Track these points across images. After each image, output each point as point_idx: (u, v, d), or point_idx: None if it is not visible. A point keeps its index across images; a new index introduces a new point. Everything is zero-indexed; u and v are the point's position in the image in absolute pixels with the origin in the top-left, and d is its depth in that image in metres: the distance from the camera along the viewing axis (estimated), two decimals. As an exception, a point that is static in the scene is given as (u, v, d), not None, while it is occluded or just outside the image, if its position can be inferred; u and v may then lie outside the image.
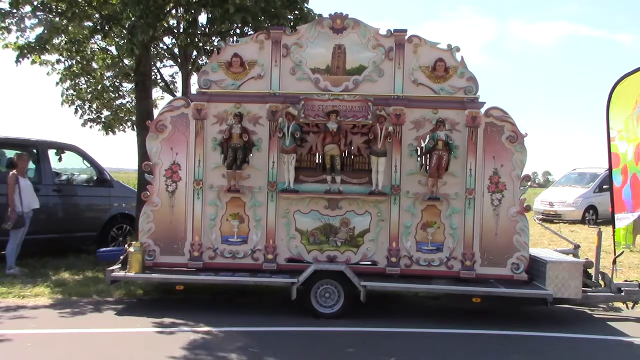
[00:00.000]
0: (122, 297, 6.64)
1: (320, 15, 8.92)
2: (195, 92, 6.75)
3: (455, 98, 6.37)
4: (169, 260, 6.46)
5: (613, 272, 6.63)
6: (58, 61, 11.71)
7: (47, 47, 9.14)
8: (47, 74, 12.04)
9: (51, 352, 4.78)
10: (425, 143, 6.26)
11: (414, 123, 6.36)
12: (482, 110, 6.34)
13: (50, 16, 8.67)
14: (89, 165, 9.67)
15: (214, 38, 10.28)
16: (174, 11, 9.97)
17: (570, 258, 6.59)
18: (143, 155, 7.95)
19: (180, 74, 11.78)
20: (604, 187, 15.63)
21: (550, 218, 16.54)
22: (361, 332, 5.60)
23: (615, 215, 6.70)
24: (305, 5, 9.34)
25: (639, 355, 5.27)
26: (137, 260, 6.19)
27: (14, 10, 8.46)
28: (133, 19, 7.46)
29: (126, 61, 11.63)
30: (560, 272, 5.95)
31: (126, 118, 13.37)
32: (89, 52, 11.69)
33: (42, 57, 10.80)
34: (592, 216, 16.61)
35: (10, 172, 7.80)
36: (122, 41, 10.20)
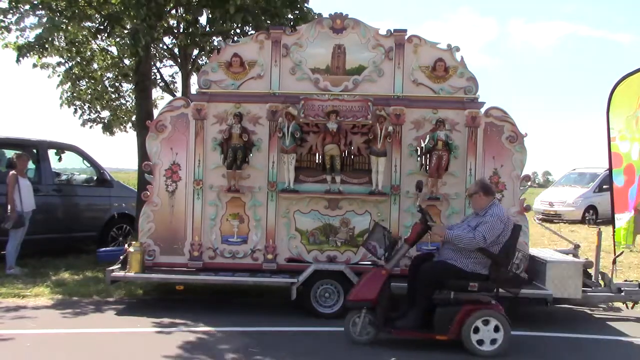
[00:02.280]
0: (122, 297, 6.64)
1: (320, 15, 8.93)
2: (195, 92, 6.74)
3: (455, 98, 6.37)
4: (169, 260, 6.46)
5: (613, 272, 6.63)
6: (59, 64, 11.71)
7: (46, 46, 9.13)
8: (48, 76, 12.06)
9: (51, 352, 4.78)
10: (425, 143, 6.26)
11: (413, 123, 6.37)
12: (482, 110, 6.35)
13: (50, 15, 8.67)
14: (89, 165, 9.67)
15: (214, 38, 10.28)
16: (174, 11, 9.97)
17: (570, 258, 6.59)
18: (143, 155, 7.96)
19: (180, 74, 11.80)
20: (604, 187, 15.62)
21: (550, 218, 16.53)
22: (361, 332, 5.59)
23: (616, 215, 6.70)
24: (305, 5, 9.35)
25: (639, 355, 5.27)
26: (137, 260, 6.19)
27: (14, 9, 8.45)
28: (135, 21, 7.44)
29: (126, 61, 11.65)
30: (560, 272, 5.95)
31: (126, 118, 13.38)
32: (89, 53, 11.69)
33: (43, 60, 10.81)
34: (592, 216, 16.60)
35: (10, 172, 7.80)
36: (123, 41, 10.21)
